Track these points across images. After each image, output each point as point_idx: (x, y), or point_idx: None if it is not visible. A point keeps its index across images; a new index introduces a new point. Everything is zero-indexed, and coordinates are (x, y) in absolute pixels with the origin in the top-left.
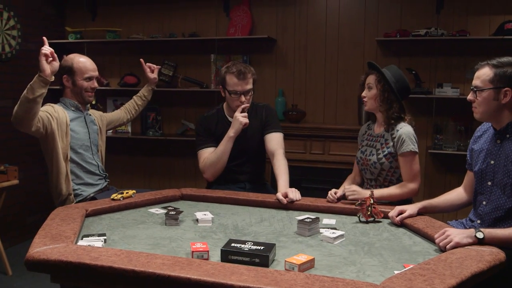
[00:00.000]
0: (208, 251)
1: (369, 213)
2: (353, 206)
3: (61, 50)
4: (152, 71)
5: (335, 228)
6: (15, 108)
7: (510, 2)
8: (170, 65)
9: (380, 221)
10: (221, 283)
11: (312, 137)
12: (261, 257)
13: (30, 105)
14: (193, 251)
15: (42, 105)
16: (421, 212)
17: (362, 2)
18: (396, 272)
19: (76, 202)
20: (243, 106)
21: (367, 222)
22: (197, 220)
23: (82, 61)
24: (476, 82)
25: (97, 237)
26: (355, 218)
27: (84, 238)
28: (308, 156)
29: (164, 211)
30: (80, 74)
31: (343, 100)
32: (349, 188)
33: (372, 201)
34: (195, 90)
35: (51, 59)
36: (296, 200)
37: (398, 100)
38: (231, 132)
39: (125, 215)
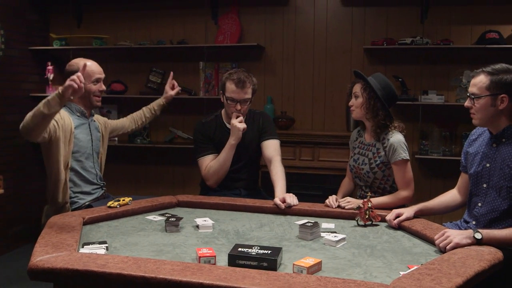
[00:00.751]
0: (215, 256)
1: (367, 216)
2: (350, 211)
3: (46, 57)
4: (173, 88)
5: (335, 232)
6: (27, 119)
7: (491, 13)
8: (158, 72)
9: (378, 225)
10: (235, 287)
11: (302, 144)
12: (269, 261)
13: (44, 119)
14: (200, 257)
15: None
16: (417, 215)
17: (349, 11)
18: (401, 273)
19: (72, 210)
20: (237, 114)
21: (365, 225)
22: (197, 226)
23: (89, 65)
24: (473, 89)
25: (98, 245)
26: (353, 222)
27: (85, 246)
28: (297, 162)
29: (162, 218)
30: (88, 78)
31: (331, 107)
32: (344, 200)
33: (369, 205)
34: (183, 97)
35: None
36: (294, 205)
37: (385, 108)
38: (232, 140)
39: (123, 222)
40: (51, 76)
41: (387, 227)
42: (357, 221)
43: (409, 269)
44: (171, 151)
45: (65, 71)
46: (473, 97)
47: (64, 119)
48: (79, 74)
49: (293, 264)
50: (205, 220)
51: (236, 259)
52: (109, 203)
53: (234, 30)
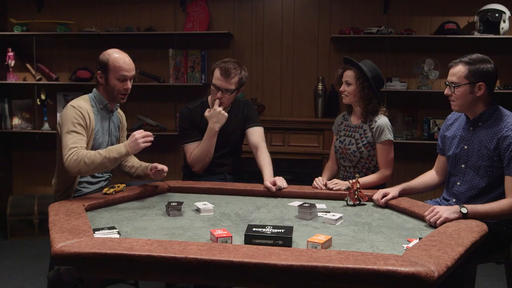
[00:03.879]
0: (231, 236)
1: (356, 196)
2: (338, 192)
3: (6, 43)
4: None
5: (329, 212)
6: (86, 168)
7: (448, 5)
8: None
9: (365, 204)
10: (264, 263)
11: (272, 130)
12: (284, 239)
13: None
14: (217, 237)
15: (72, 99)
16: (401, 194)
17: (316, 0)
18: (404, 245)
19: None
20: (218, 101)
21: (354, 205)
22: (197, 210)
23: (119, 59)
24: (452, 78)
25: (109, 230)
26: (342, 202)
27: (96, 232)
28: (268, 148)
29: (161, 203)
30: (114, 73)
31: (299, 93)
32: (332, 181)
33: (358, 186)
34: (152, 84)
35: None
36: (284, 188)
37: (376, 95)
38: (217, 127)
39: (122, 208)
40: (12, 62)
41: (374, 206)
42: (346, 201)
43: (409, 242)
44: None
45: (97, 60)
46: (453, 85)
47: (90, 118)
48: (148, 133)
49: (307, 241)
50: (205, 204)
51: (252, 238)
52: (105, 190)
53: (203, 18)
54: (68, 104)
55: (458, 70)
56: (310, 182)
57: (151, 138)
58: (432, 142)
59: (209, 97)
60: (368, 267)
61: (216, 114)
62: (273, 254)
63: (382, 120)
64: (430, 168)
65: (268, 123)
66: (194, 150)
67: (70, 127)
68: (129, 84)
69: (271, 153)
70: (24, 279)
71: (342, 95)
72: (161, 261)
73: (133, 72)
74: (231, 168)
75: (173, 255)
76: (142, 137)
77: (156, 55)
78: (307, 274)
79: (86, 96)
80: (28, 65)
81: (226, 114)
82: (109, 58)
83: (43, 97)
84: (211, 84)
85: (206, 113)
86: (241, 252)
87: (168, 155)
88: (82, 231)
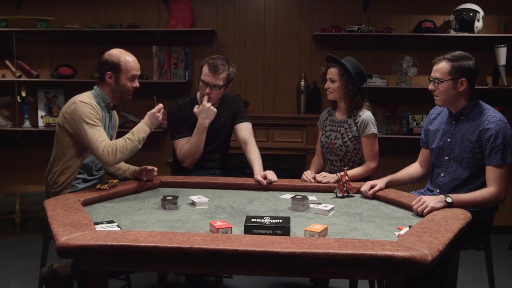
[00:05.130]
0: (231, 227)
1: (344, 189)
2: (326, 185)
3: None
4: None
5: (320, 203)
6: (123, 155)
7: (426, 4)
8: None
9: (353, 196)
10: (268, 251)
11: (256, 126)
12: (282, 228)
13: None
14: (218, 228)
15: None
16: (387, 186)
17: None
18: (396, 233)
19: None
20: (207, 97)
21: (343, 197)
22: (192, 203)
23: (129, 60)
24: (436, 74)
25: (108, 224)
26: (332, 194)
27: (96, 226)
28: None
29: (155, 197)
30: (126, 73)
31: (281, 90)
32: (320, 174)
33: (346, 178)
34: None
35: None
36: (274, 181)
37: (360, 90)
38: (206, 122)
39: (117, 203)
40: None
41: (362, 197)
42: (336, 193)
43: (400, 230)
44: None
45: (104, 60)
46: (437, 81)
47: (99, 115)
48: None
49: (305, 230)
50: (199, 198)
51: (252, 228)
52: (98, 186)
53: (187, 15)
54: (77, 101)
55: (442, 66)
56: (293, 177)
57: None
58: (411, 136)
59: (198, 93)
60: (367, 252)
61: (206, 110)
62: (275, 242)
63: (366, 114)
64: (409, 162)
65: (252, 119)
66: (184, 145)
67: (90, 121)
68: (137, 83)
69: None
70: (10, 278)
71: (327, 92)
72: (167, 252)
73: (140, 72)
74: (220, 163)
75: (178, 246)
76: (158, 111)
77: (139, 52)
78: (309, 261)
79: (89, 93)
80: (7, 62)
81: (215, 110)
82: (120, 59)
83: (23, 94)
84: (200, 80)
85: (195, 109)
86: (244, 242)
87: (152, 151)
88: (83, 224)
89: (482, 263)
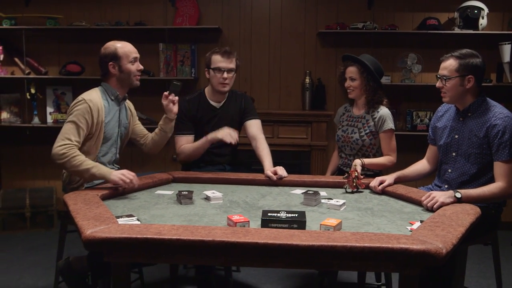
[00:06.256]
0: (249, 221)
1: (354, 184)
2: (335, 180)
3: None
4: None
5: (331, 198)
6: (66, 164)
7: (430, 1)
8: None
9: (362, 191)
10: (287, 244)
11: (262, 122)
12: (299, 222)
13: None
14: (236, 222)
15: (87, 89)
16: (396, 181)
17: None
18: (408, 227)
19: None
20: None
21: (352, 192)
22: (206, 198)
23: (124, 45)
24: (443, 72)
25: (128, 218)
26: (341, 190)
27: (117, 220)
28: None
29: (170, 192)
30: (126, 58)
31: (286, 87)
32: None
33: (356, 174)
34: (142, 78)
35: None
36: (285, 177)
37: (381, 86)
38: (212, 136)
39: (134, 198)
40: (0, 56)
41: (372, 193)
42: (345, 188)
43: (412, 224)
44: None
45: (102, 55)
46: (444, 78)
47: (99, 111)
48: (131, 177)
49: (320, 224)
50: (213, 193)
51: (269, 222)
52: None
53: (193, 13)
54: (81, 97)
55: (449, 64)
56: (299, 172)
57: (128, 181)
58: (415, 133)
59: (206, 89)
60: (383, 245)
61: (223, 131)
62: (293, 236)
63: (383, 111)
64: (413, 158)
65: (258, 115)
66: (186, 145)
67: (74, 118)
68: (141, 65)
69: None
70: (23, 270)
71: (348, 91)
72: (190, 244)
73: (138, 54)
74: (230, 158)
75: (201, 239)
76: (124, 180)
77: (146, 49)
78: (327, 253)
79: (96, 89)
80: (16, 59)
81: (230, 138)
82: (116, 47)
83: (33, 91)
84: (213, 69)
85: (219, 134)
86: (263, 235)
87: None
88: (106, 218)
89: (485, 258)
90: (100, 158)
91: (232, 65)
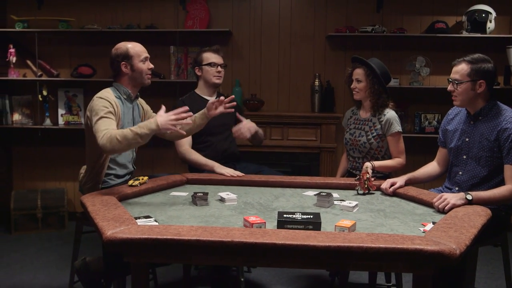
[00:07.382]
0: (265, 222)
1: (366, 186)
2: (347, 182)
3: (6, 40)
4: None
5: (343, 200)
6: (119, 145)
7: (437, 5)
8: None
9: (374, 193)
10: (304, 245)
11: (271, 124)
12: (314, 223)
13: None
14: (252, 223)
15: (98, 91)
16: (406, 183)
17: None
18: (421, 229)
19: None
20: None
21: (363, 194)
22: (220, 199)
23: (134, 45)
24: (455, 76)
25: (145, 219)
26: (353, 191)
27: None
28: (268, 142)
29: (185, 193)
30: (137, 57)
31: (295, 89)
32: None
33: (367, 176)
34: (154, 80)
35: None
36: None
37: (385, 90)
38: (218, 170)
39: (149, 199)
40: (13, 59)
41: (382, 195)
42: (357, 190)
43: (424, 226)
44: None
45: (114, 55)
46: (456, 82)
47: (118, 108)
48: (179, 111)
49: (335, 225)
50: (228, 194)
51: (285, 223)
52: (130, 182)
53: (203, 16)
54: (95, 97)
55: (461, 68)
56: (308, 174)
57: (185, 115)
58: (423, 135)
59: (196, 89)
60: (398, 246)
61: (233, 172)
62: (310, 236)
63: (390, 113)
64: (422, 160)
65: (267, 117)
66: (191, 152)
67: (100, 113)
68: (151, 64)
69: (270, 146)
70: (37, 270)
71: (353, 92)
72: (209, 245)
73: (148, 54)
74: (238, 156)
75: (220, 239)
76: (175, 119)
77: (157, 52)
78: (343, 254)
79: (108, 89)
80: (28, 62)
81: (226, 171)
82: (127, 47)
83: (44, 93)
84: (206, 65)
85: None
86: (281, 236)
87: (168, 149)
88: (125, 219)
89: (494, 260)
90: (116, 158)
91: (222, 61)
